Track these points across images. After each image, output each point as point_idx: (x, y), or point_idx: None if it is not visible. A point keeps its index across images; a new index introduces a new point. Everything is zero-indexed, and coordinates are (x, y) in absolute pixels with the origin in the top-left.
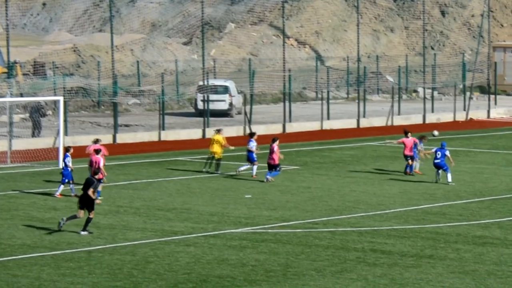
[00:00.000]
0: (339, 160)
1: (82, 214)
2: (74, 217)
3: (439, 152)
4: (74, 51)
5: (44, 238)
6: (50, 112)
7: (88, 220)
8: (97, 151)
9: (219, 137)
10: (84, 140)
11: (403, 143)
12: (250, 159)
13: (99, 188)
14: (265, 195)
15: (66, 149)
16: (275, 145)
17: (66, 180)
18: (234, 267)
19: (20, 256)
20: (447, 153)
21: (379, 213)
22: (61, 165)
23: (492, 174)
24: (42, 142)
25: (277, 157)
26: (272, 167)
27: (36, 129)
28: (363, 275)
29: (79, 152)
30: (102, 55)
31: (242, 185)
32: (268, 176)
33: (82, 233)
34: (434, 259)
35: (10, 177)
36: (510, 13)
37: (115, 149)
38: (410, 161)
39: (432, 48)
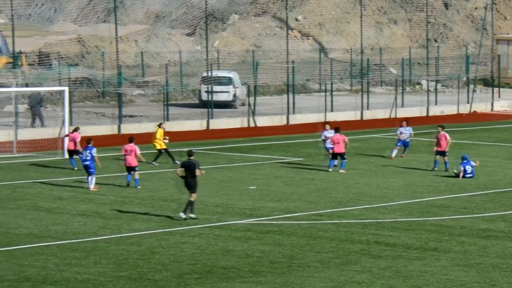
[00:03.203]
0: None
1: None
2: (191, 203)
3: (468, 166)
4: (79, 41)
5: (50, 228)
6: (48, 105)
7: (191, 203)
8: (130, 139)
9: (159, 131)
10: (89, 130)
11: (437, 138)
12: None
13: (136, 176)
14: (269, 187)
15: (87, 141)
16: (338, 135)
17: (94, 172)
18: (239, 258)
19: (27, 246)
20: (473, 163)
21: (383, 205)
22: (85, 156)
23: (496, 167)
24: (47, 132)
25: (341, 146)
26: (336, 156)
27: (39, 120)
28: (368, 267)
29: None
30: (106, 45)
31: (246, 176)
32: (330, 169)
33: (192, 215)
34: (438, 252)
35: (16, 167)
36: None
37: (119, 140)
38: (446, 158)
39: (436, 41)
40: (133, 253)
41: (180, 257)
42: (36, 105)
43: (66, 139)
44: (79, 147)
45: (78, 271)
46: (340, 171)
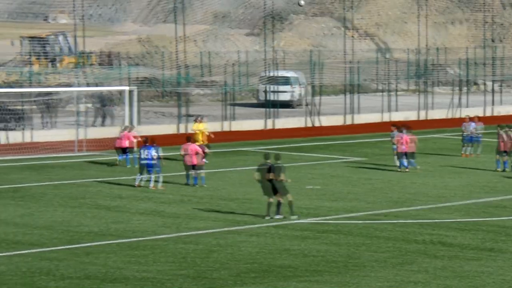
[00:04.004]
0: None
1: (272, 199)
2: (279, 205)
3: None
4: (140, 41)
5: (110, 226)
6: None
7: (290, 204)
8: (195, 139)
9: (199, 126)
10: (150, 129)
11: (502, 138)
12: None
13: (202, 174)
14: (326, 186)
15: (152, 141)
16: (410, 135)
17: (160, 171)
18: (296, 257)
19: (87, 244)
20: None
21: (439, 206)
22: (150, 156)
23: None
24: (108, 131)
25: (410, 145)
26: (407, 155)
27: (109, 119)
28: (424, 267)
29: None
30: (166, 45)
31: (304, 176)
32: (406, 169)
33: (292, 217)
34: (495, 252)
35: (77, 165)
36: None
37: (179, 139)
38: (505, 157)
39: (500, 41)
40: (191, 251)
41: (237, 256)
42: (106, 104)
43: (122, 137)
44: (133, 146)
45: (138, 269)
46: (408, 168)
